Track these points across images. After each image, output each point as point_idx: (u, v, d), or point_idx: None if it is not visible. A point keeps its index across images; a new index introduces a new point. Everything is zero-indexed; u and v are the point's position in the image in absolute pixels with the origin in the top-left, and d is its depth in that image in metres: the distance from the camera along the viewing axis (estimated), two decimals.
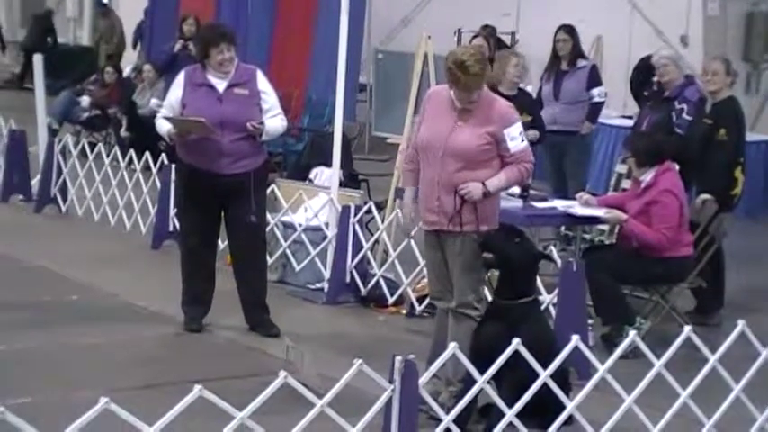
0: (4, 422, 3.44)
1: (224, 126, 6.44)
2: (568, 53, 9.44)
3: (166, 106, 6.72)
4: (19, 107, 12.80)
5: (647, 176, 6.84)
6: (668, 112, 7.87)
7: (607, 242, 7.90)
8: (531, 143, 6.07)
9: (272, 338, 6.54)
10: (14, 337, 6.34)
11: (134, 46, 17.36)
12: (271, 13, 14.27)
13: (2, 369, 5.83)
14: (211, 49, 6.49)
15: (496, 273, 5.54)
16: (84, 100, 13.87)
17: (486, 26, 12.05)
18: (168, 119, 6.57)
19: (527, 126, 7.97)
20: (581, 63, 9.46)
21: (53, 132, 11.99)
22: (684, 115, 7.77)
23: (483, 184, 5.33)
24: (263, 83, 6.65)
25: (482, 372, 4.50)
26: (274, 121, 6.63)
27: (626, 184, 7.80)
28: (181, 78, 6.65)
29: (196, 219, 6.63)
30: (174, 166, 7.51)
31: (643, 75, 9.72)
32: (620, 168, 8.08)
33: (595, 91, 9.41)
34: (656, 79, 8.27)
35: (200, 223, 6.62)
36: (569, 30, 9.53)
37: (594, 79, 9.46)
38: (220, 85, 6.54)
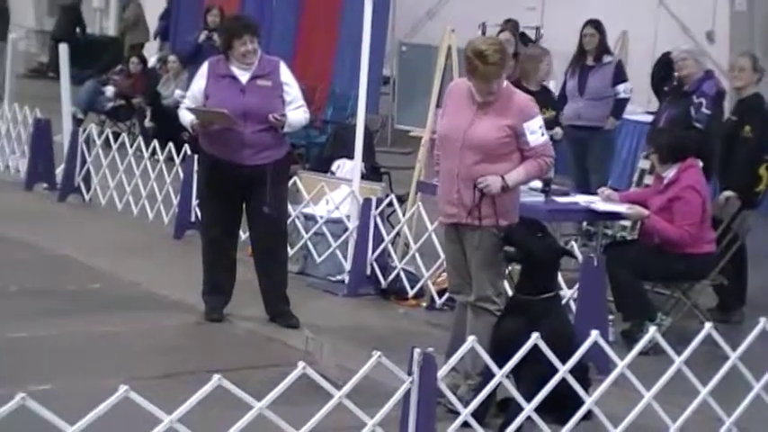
0: (25, 408, 3.47)
1: (246, 117, 6.45)
2: (594, 48, 9.40)
3: (189, 97, 6.73)
4: (44, 96, 12.87)
5: (670, 172, 6.81)
6: (686, 107, 7.83)
7: (629, 238, 7.86)
8: (555, 141, 6.06)
9: (291, 329, 6.56)
10: (36, 324, 6.39)
11: (155, 36, 17.41)
12: (296, 5, 14.29)
13: (23, 356, 5.88)
14: (235, 41, 6.50)
15: (518, 267, 5.53)
16: (109, 90, 13.94)
17: (508, 20, 12.03)
18: (191, 109, 6.59)
19: (552, 122, 7.98)
20: (607, 59, 9.43)
21: (78, 122, 12.06)
22: (703, 109, 7.73)
23: (502, 177, 5.32)
24: (285, 74, 6.66)
25: (502, 366, 4.49)
26: (297, 113, 6.63)
27: (649, 179, 7.76)
28: (204, 69, 6.67)
29: (218, 209, 6.65)
30: (196, 156, 7.53)
31: (664, 70, 9.68)
32: (644, 164, 8.05)
33: (621, 87, 9.39)
34: (676, 74, 8.23)
35: (221, 214, 6.64)
36: (597, 25, 9.50)
37: (620, 75, 9.43)
38: (243, 77, 6.55)
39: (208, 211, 6.81)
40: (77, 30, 19.48)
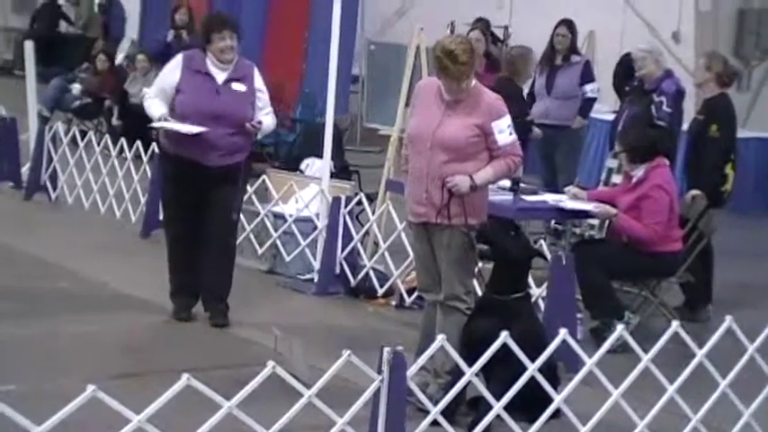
0: None
1: (219, 120, 6.37)
2: (565, 48, 9.47)
3: (157, 91, 6.55)
4: (10, 94, 12.75)
5: (639, 171, 6.85)
6: (647, 106, 7.89)
7: (597, 237, 7.91)
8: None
9: (220, 328, 6.55)
10: (2, 324, 6.33)
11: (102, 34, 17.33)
12: (264, 4, 14.25)
13: None
14: (213, 35, 6.43)
15: (488, 266, 5.54)
16: (76, 87, 13.83)
17: (479, 19, 12.05)
18: (164, 123, 6.39)
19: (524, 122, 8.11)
20: (575, 58, 9.50)
21: (44, 120, 11.95)
22: (664, 107, 7.79)
23: (470, 177, 5.33)
24: (259, 81, 6.62)
25: (473, 365, 4.50)
26: (268, 119, 6.63)
27: (617, 178, 7.80)
28: (178, 61, 6.52)
29: (180, 208, 6.58)
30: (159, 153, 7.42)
31: (625, 70, 9.75)
32: (611, 163, 8.08)
33: (588, 87, 9.46)
34: (636, 74, 8.28)
35: (184, 212, 6.58)
36: (569, 25, 9.58)
37: (588, 75, 9.50)
38: (219, 76, 6.47)
39: (170, 210, 6.74)
40: (60, 25, 19.25)
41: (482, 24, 11.60)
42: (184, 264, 6.66)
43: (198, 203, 6.55)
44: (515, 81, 8.58)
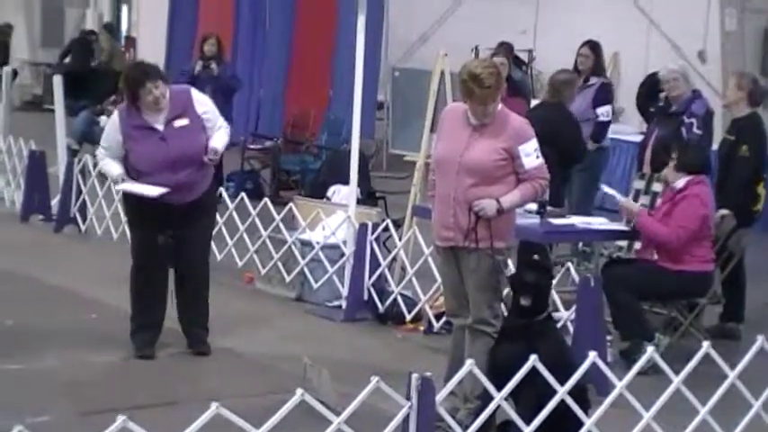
0: None
1: (174, 165, 6.25)
2: (588, 69, 9.40)
3: (108, 148, 6.42)
4: (40, 128, 12.88)
5: (680, 182, 6.81)
6: (676, 127, 7.84)
7: (625, 257, 7.86)
8: None
9: (203, 357, 6.48)
10: (33, 355, 6.37)
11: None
12: (289, 32, 14.36)
13: (20, 387, 5.85)
14: (140, 91, 6.22)
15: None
16: (104, 120, 13.93)
17: (502, 43, 12.07)
18: (124, 185, 6.33)
19: None
20: (593, 80, 9.40)
21: (73, 153, 12.06)
22: (695, 129, 7.75)
23: (497, 200, 5.34)
24: (199, 103, 6.42)
25: (500, 389, 4.48)
26: (220, 136, 6.45)
27: (644, 199, 7.77)
28: (115, 120, 6.39)
29: (151, 250, 6.43)
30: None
31: (648, 90, 9.59)
32: (638, 184, 8.04)
33: (601, 110, 9.17)
34: (663, 94, 8.22)
35: (155, 253, 6.43)
36: (593, 46, 9.48)
37: (602, 97, 9.25)
38: (159, 124, 6.29)
39: (141, 256, 6.53)
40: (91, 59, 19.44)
41: (505, 48, 11.62)
42: (154, 302, 6.53)
43: (169, 240, 6.41)
44: (564, 104, 8.36)
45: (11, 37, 20.58)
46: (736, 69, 8.63)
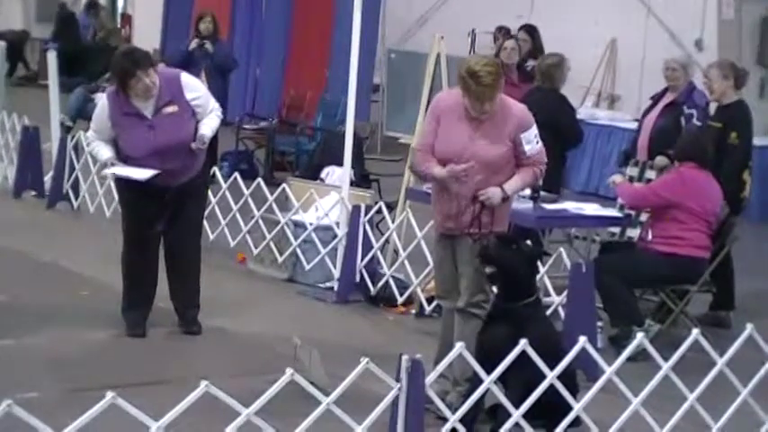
0: (11, 415, 3.46)
1: (163, 153, 6.21)
2: (526, 52, 9.47)
3: (97, 132, 6.37)
4: (34, 104, 12.85)
5: (672, 168, 6.95)
6: (676, 117, 7.84)
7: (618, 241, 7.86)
8: None
9: (194, 335, 6.51)
10: (23, 331, 6.37)
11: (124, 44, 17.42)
12: (287, 13, 14.29)
13: (10, 363, 5.86)
14: (130, 80, 6.15)
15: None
16: (98, 97, 13.89)
17: (501, 27, 12.07)
18: (114, 169, 6.31)
19: None
20: (530, 63, 9.46)
21: (66, 129, 12.03)
22: (695, 120, 7.75)
23: (501, 188, 5.35)
24: (189, 88, 6.33)
25: (489, 373, 4.49)
26: (211, 120, 6.39)
27: (637, 186, 7.77)
28: (105, 106, 6.33)
29: (143, 230, 6.43)
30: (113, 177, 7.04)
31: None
32: (631, 171, 8.04)
33: None
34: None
35: (147, 234, 6.43)
36: (530, 30, 9.58)
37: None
38: (148, 110, 6.23)
39: (133, 234, 6.51)
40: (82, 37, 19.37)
41: (505, 32, 11.61)
42: (146, 281, 6.54)
43: (161, 220, 6.39)
44: (557, 88, 8.30)
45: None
46: (721, 60, 8.48)
